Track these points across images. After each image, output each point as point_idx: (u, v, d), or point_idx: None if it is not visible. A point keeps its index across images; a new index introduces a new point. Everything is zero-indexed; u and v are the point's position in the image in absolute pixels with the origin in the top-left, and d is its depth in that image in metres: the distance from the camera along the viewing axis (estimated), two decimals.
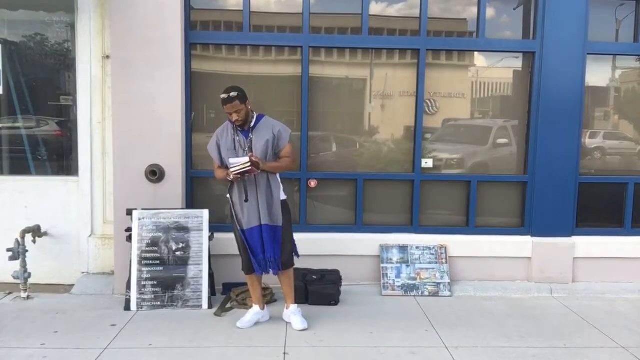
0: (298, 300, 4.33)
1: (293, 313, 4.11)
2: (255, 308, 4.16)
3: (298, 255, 4.20)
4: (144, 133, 4.63)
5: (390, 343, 3.82)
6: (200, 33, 4.90)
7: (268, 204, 3.95)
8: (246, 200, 3.93)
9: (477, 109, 5.35)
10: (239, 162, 3.77)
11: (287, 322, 4.13)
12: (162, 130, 4.64)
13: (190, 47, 4.83)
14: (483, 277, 5.08)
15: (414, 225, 5.12)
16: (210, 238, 4.60)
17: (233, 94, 3.82)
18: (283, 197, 4.05)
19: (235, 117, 3.86)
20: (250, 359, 3.55)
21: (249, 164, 3.75)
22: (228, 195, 4.06)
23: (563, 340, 3.94)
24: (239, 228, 4.00)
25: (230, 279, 4.79)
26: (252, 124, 3.96)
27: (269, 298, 4.53)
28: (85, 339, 3.80)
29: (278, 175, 4.05)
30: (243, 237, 3.99)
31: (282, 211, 4.00)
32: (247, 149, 3.91)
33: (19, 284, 4.60)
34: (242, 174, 3.79)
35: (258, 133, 3.95)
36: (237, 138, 3.95)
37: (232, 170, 3.79)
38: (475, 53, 5.19)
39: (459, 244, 5.05)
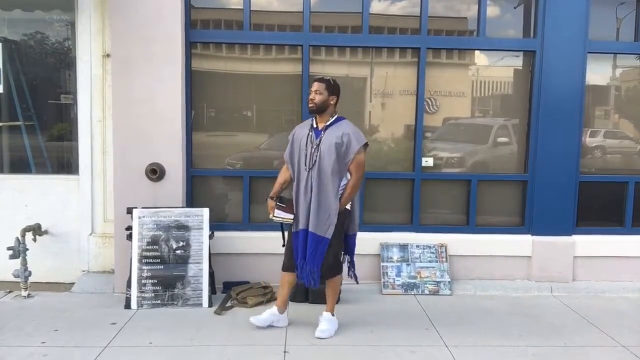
0: (298, 299, 4.33)
1: (322, 319, 3.97)
2: (274, 309, 4.02)
3: (341, 271, 4.00)
4: (144, 132, 4.62)
5: (391, 342, 3.82)
6: (201, 32, 4.89)
7: (318, 211, 3.73)
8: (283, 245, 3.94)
9: (478, 108, 5.35)
10: (284, 217, 3.82)
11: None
12: (163, 129, 4.64)
13: (190, 45, 4.82)
14: (483, 276, 5.08)
15: (414, 224, 5.12)
16: (211, 237, 4.60)
17: (326, 77, 3.88)
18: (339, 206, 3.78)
19: (312, 95, 3.77)
20: (250, 358, 3.56)
21: (292, 220, 3.82)
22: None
23: (563, 339, 3.94)
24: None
25: (231, 278, 4.80)
26: (329, 124, 3.83)
27: (269, 297, 4.52)
28: (85, 338, 3.80)
29: (339, 183, 3.77)
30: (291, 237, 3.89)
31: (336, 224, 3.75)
32: (315, 147, 3.77)
33: (19, 282, 4.61)
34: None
35: (329, 135, 3.78)
36: (311, 134, 3.82)
37: (274, 218, 3.82)
38: (476, 52, 5.19)
39: (460, 243, 5.05)
